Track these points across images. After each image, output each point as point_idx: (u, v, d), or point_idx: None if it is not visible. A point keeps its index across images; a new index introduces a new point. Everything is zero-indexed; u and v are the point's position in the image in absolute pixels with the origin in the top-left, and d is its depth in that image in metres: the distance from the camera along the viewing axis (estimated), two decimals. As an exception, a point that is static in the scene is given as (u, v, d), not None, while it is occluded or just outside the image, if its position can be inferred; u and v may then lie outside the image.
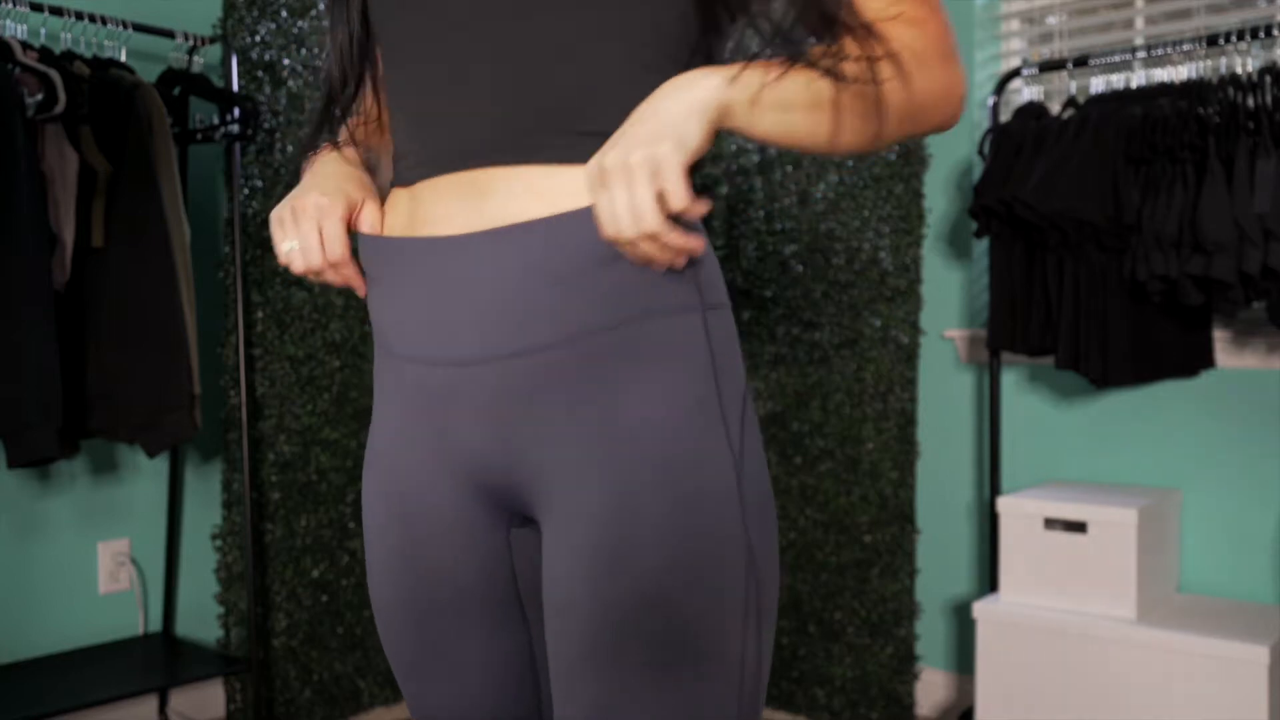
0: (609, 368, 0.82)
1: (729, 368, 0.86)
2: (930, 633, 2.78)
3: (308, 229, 0.91)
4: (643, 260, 0.80)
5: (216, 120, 2.48)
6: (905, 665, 2.67)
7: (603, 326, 0.82)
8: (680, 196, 0.76)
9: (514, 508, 0.90)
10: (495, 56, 0.84)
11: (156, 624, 2.64)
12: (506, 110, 0.84)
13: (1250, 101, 2.11)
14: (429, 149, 0.87)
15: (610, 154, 0.77)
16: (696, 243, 0.79)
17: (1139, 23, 2.54)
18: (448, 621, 0.92)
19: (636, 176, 0.76)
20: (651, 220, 0.76)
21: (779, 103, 0.79)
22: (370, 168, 0.99)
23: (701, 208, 0.78)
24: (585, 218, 0.81)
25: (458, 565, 0.91)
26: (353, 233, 0.93)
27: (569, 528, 0.83)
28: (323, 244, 0.91)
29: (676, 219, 0.79)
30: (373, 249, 0.91)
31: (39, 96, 2.10)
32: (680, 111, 0.78)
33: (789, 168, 2.79)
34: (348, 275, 0.93)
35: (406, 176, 0.90)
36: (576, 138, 0.83)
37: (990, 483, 2.59)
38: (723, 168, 2.87)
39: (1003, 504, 2.34)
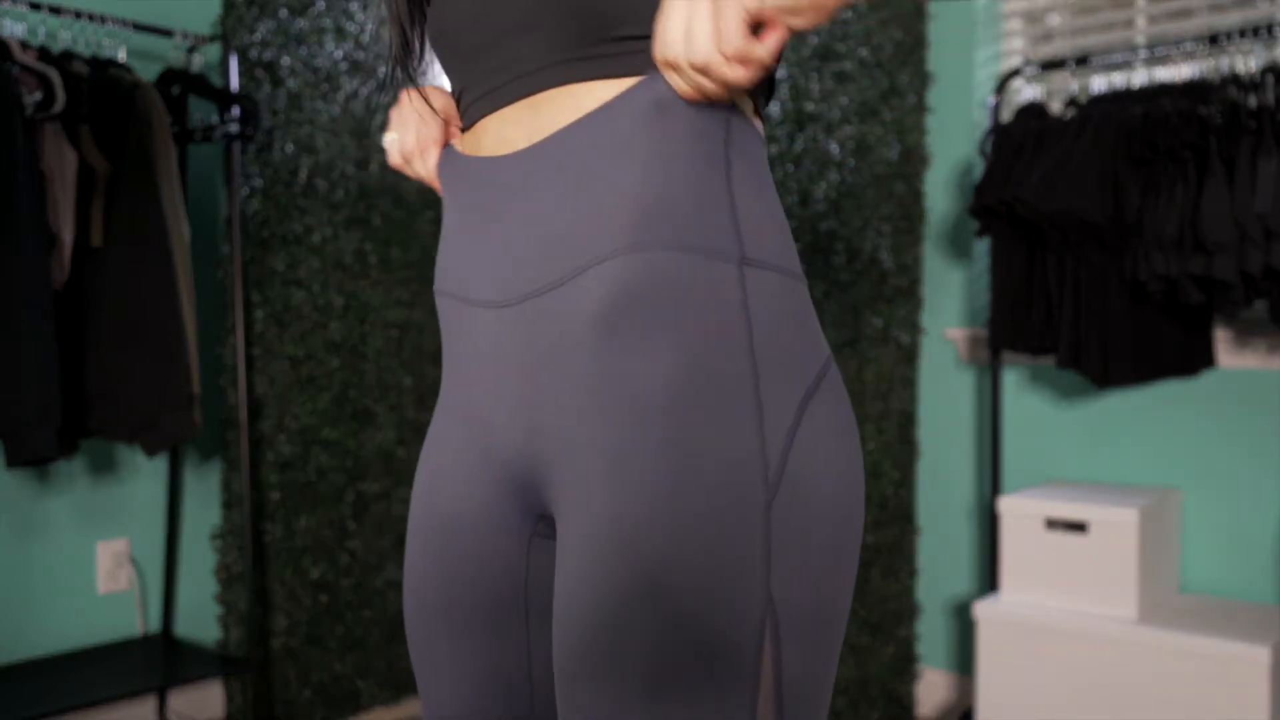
0: (624, 319, 0.74)
1: (781, 344, 0.75)
2: (931, 633, 2.77)
3: (407, 113, 0.93)
4: (687, 95, 0.74)
5: (216, 120, 2.47)
6: (906, 665, 2.67)
7: (621, 250, 0.74)
8: (729, 37, 0.69)
9: (539, 505, 0.85)
10: None
11: (156, 624, 2.64)
12: (546, 25, 0.79)
13: (1252, 101, 2.11)
14: (482, 85, 0.84)
15: None
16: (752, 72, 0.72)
17: (1140, 22, 2.53)
18: (446, 620, 0.90)
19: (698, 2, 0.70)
20: (703, 47, 0.70)
21: None
22: None
23: (763, 51, 0.71)
24: (606, 116, 0.76)
25: (468, 565, 0.88)
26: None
27: (574, 520, 0.77)
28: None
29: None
30: (444, 164, 0.91)
31: (37, 96, 2.10)
32: None
33: (789, 167, 2.78)
34: (431, 168, 0.93)
35: (467, 120, 0.88)
36: (616, 44, 0.78)
37: (991, 483, 2.59)
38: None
39: (1003, 504, 2.34)
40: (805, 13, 0.71)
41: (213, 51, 2.65)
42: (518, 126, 0.82)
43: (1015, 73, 2.50)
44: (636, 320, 0.74)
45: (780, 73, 2.78)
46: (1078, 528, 2.25)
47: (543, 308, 0.77)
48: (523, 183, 0.79)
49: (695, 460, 0.72)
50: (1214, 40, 2.24)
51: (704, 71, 0.71)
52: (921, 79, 2.63)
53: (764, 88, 0.84)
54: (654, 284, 0.73)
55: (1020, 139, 2.38)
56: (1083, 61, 2.42)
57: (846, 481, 0.77)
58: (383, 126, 2.81)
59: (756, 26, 0.72)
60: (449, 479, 0.88)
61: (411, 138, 0.92)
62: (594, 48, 0.78)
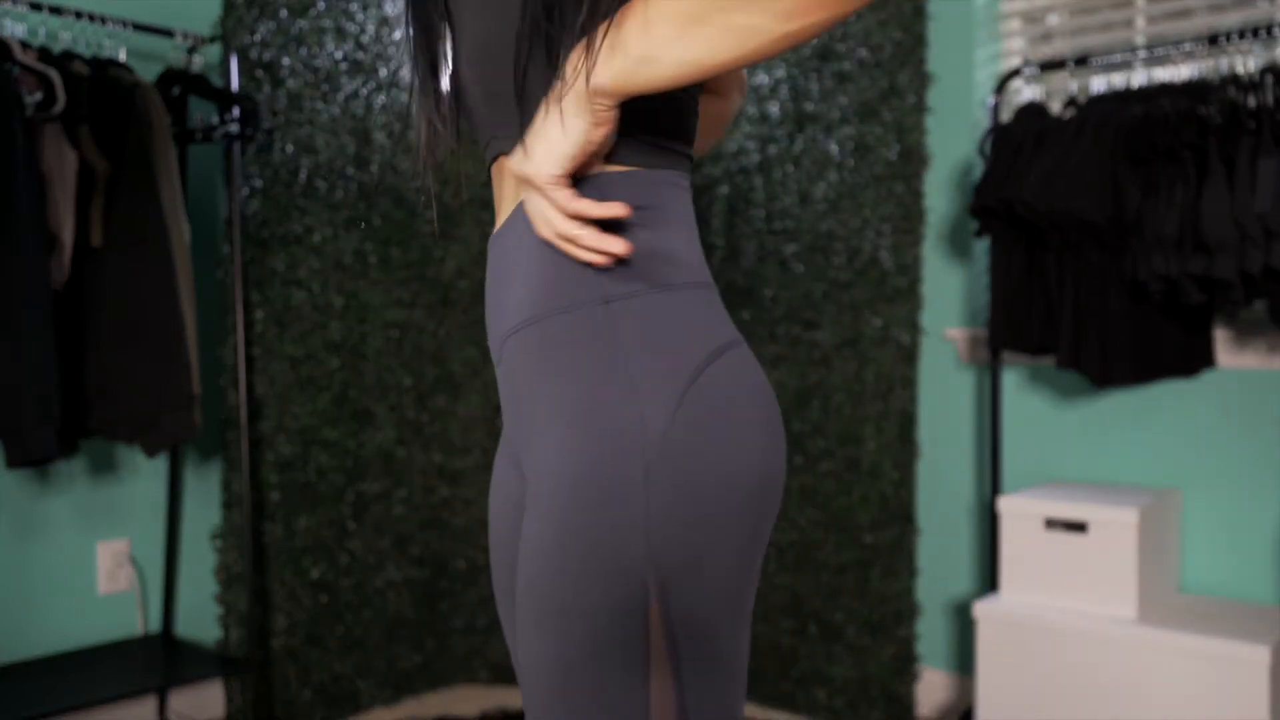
0: (540, 362, 0.88)
1: (654, 346, 0.85)
2: (930, 633, 2.77)
3: None
4: (575, 257, 0.86)
5: (216, 120, 2.47)
6: (906, 665, 2.67)
7: (535, 318, 0.88)
8: (549, 213, 0.84)
9: None
10: (468, 59, 0.91)
11: (156, 624, 2.64)
12: (481, 106, 0.92)
13: (1251, 101, 2.11)
14: (483, 145, 0.96)
15: (513, 160, 0.86)
16: (616, 245, 0.83)
17: (1140, 22, 2.53)
18: (503, 606, 1.01)
19: (534, 186, 0.85)
20: (557, 224, 0.84)
21: (648, 47, 0.78)
22: None
23: (602, 211, 0.83)
24: (519, 213, 0.91)
25: (506, 551, 0.99)
26: None
27: (526, 527, 0.90)
28: None
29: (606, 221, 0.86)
30: None
31: (38, 96, 2.10)
32: (548, 118, 0.83)
33: (789, 167, 2.78)
34: None
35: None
36: (525, 122, 0.89)
37: (991, 482, 2.59)
38: (723, 168, 2.87)
39: (1003, 504, 2.34)
40: (595, 138, 0.82)
41: (213, 52, 2.65)
42: (496, 191, 0.97)
43: (1015, 73, 2.50)
44: (539, 364, 0.89)
45: (780, 72, 2.78)
46: (1077, 528, 2.25)
47: (504, 360, 0.93)
48: (493, 266, 0.95)
49: (586, 442, 0.84)
50: (1213, 40, 2.24)
51: (571, 240, 0.85)
52: (921, 79, 2.64)
53: (646, 117, 0.89)
54: (545, 338, 0.88)
55: (1020, 139, 2.38)
56: (1082, 62, 2.42)
57: (729, 449, 0.85)
58: (382, 127, 2.81)
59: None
60: (496, 480, 1.02)
61: None
62: (511, 126, 0.90)
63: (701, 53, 0.76)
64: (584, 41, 0.81)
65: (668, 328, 0.86)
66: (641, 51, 0.77)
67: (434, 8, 0.93)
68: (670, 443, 0.83)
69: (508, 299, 0.91)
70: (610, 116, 0.81)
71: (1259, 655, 2.02)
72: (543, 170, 0.83)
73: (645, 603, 0.82)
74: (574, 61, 0.81)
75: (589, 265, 0.86)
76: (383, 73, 2.81)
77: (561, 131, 0.82)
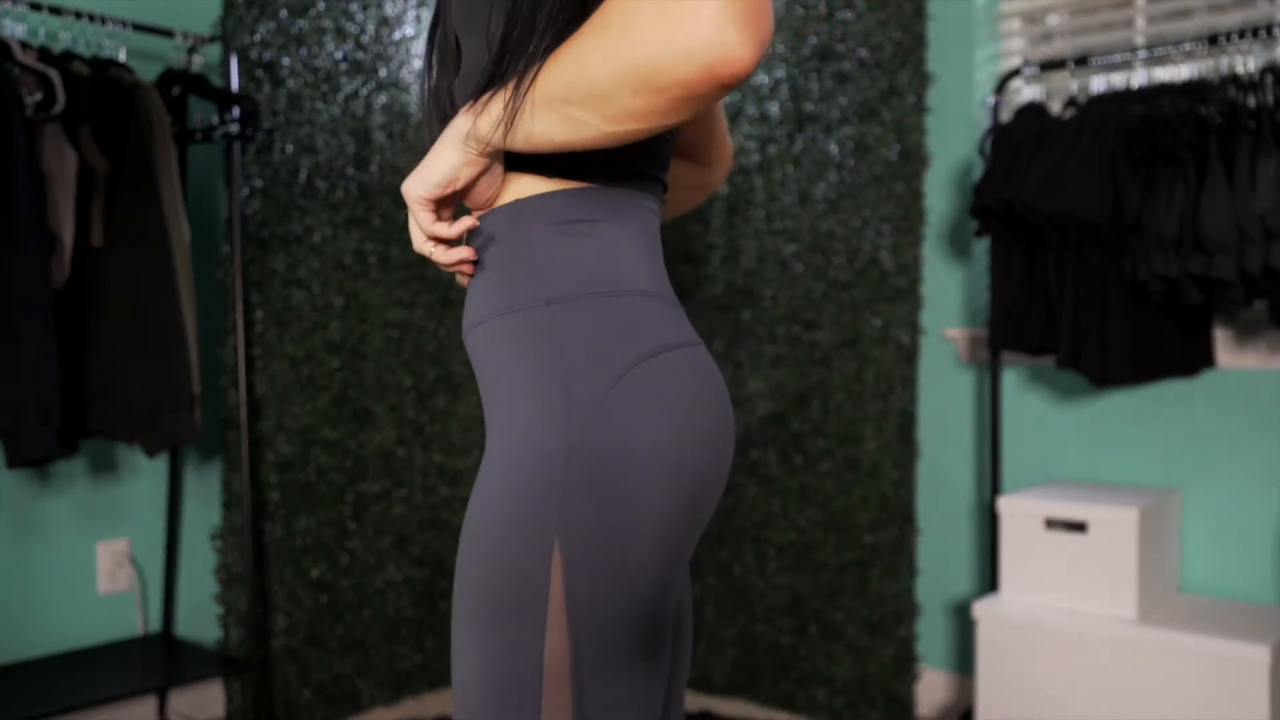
0: (488, 360, 0.96)
1: (586, 348, 0.91)
2: (930, 633, 2.77)
3: None
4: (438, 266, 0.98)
5: (216, 120, 2.47)
6: (905, 665, 2.67)
7: (484, 318, 0.96)
8: (416, 230, 0.96)
9: None
10: (458, 86, 0.99)
11: (156, 624, 2.64)
12: None
13: (1251, 101, 2.11)
14: None
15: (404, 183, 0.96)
16: (464, 252, 0.95)
17: (1140, 22, 2.53)
18: None
19: (409, 205, 0.95)
20: (418, 241, 0.97)
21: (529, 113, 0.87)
22: None
23: (453, 231, 0.93)
24: (482, 222, 0.98)
25: None
26: None
27: None
28: None
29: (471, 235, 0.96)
30: None
31: (38, 96, 2.10)
32: (436, 148, 0.92)
33: (789, 167, 2.78)
34: None
35: None
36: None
37: (991, 482, 2.59)
38: (723, 167, 2.87)
39: (1003, 504, 2.34)
40: (459, 173, 0.91)
41: (213, 52, 2.65)
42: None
43: (1015, 73, 2.50)
44: (488, 361, 0.96)
45: (780, 72, 2.78)
46: (1077, 527, 2.25)
47: (470, 356, 1.01)
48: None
49: (519, 438, 0.91)
50: (1213, 40, 2.24)
51: (430, 256, 0.97)
52: (921, 79, 2.64)
53: (554, 159, 0.95)
54: (492, 337, 0.96)
55: (1020, 139, 2.38)
56: (1082, 62, 2.42)
57: (646, 439, 0.90)
58: (382, 127, 2.81)
59: (459, 191, 0.94)
60: None
61: None
62: None
63: (542, 131, 0.86)
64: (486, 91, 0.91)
65: (604, 328, 0.92)
66: (504, 115, 0.88)
67: (448, 37, 1.00)
68: (591, 429, 0.88)
69: (470, 299, 0.98)
70: (481, 162, 0.91)
71: (1259, 655, 2.02)
72: (411, 191, 0.93)
73: (547, 601, 0.88)
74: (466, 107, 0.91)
75: (534, 269, 0.93)
76: (383, 73, 2.81)
77: (437, 161, 0.92)
